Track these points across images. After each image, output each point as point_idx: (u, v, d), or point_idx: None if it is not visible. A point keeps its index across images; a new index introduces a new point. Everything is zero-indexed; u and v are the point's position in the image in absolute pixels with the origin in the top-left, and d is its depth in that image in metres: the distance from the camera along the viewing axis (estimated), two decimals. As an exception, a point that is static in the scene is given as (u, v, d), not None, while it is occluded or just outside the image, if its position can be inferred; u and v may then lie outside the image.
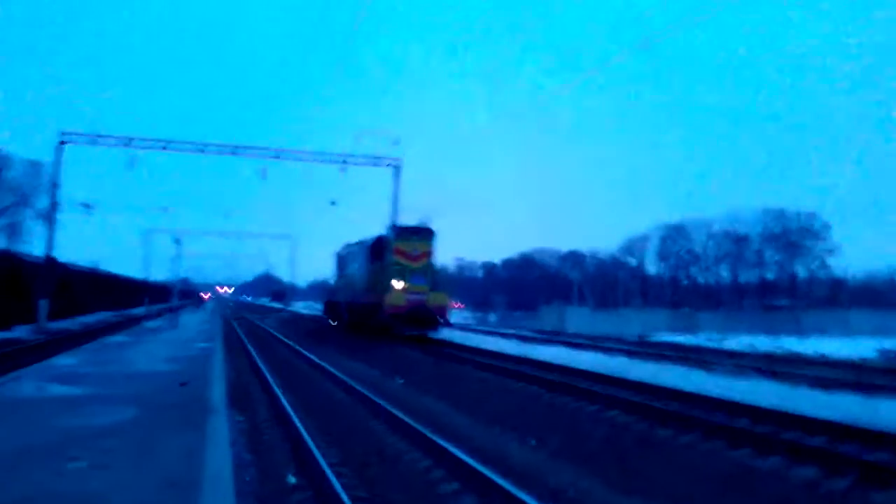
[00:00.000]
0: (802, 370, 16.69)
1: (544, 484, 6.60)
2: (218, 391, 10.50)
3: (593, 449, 8.00)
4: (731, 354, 22.19)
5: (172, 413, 8.28)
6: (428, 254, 24.84)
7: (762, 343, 28.43)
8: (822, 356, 23.99)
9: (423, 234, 25.16)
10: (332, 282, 37.83)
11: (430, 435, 8.30)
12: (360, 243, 29.17)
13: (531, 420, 9.88)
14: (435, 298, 24.08)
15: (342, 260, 33.71)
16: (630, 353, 19.92)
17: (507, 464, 7.45)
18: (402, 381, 14.76)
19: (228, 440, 7.21)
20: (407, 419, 9.31)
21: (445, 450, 7.51)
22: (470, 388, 13.14)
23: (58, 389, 10.25)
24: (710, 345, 27.79)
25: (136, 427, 7.38)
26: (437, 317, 24.29)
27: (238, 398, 11.49)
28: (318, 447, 7.54)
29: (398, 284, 23.93)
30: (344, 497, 5.73)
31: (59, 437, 6.86)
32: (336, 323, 33.86)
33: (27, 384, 10.89)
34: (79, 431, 7.13)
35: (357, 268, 28.94)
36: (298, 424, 8.64)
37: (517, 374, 14.21)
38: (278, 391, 11.81)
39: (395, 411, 9.90)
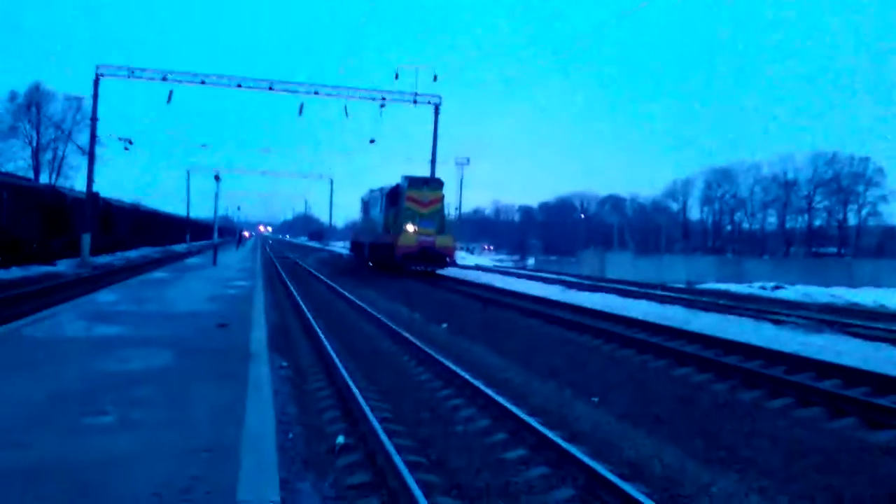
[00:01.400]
0: (875, 323, 15.51)
1: (622, 456, 5.85)
2: (258, 334, 9.95)
3: (669, 413, 7.20)
4: (790, 305, 20.98)
5: (211, 359, 7.72)
6: (437, 201, 28.15)
7: (818, 293, 26.99)
8: (882, 306, 22.66)
9: (433, 184, 28.67)
10: (357, 224, 41.84)
11: (484, 389, 7.63)
12: (380, 190, 32.29)
13: (591, 375, 9.11)
14: (442, 241, 27.55)
15: (365, 205, 36.98)
16: (684, 302, 18.91)
17: (573, 428, 6.72)
18: (446, 327, 14.14)
19: (271, 390, 6.60)
20: (458, 370, 8.65)
21: (505, 408, 6.82)
22: (518, 336, 12.42)
23: (94, 329, 9.82)
24: (764, 294, 26.48)
25: (171, 375, 6.83)
26: (444, 256, 27.96)
27: (280, 341, 10.98)
28: (366, 400, 6.92)
29: (410, 227, 27.15)
30: (399, 463, 5.08)
31: (89, 384, 6.33)
32: (360, 261, 36.88)
33: (64, 321, 10.52)
34: (111, 378, 6.61)
35: (377, 212, 32.16)
36: (345, 374, 8.03)
37: (567, 322, 13.41)
38: (321, 334, 11.28)
39: (444, 360, 9.26)
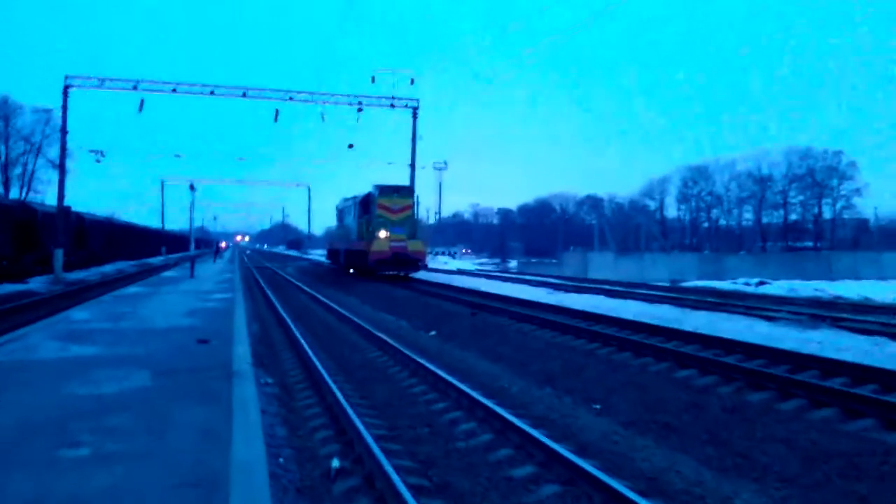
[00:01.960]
0: (865, 316, 15.44)
1: (636, 468, 5.53)
2: (241, 349, 9.50)
3: (676, 419, 6.90)
4: (777, 300, 20.93)
5: (191, 378, 7.27)
6: (407, 208, 29.36)
7: (802, 288, 27.06)
8: (867, 299, 22.73)
9: (403, 191, 29.92)
10: (332, 231, 42.64)
11: (482, 399, 7.26)
12: (353, 198, 33.35)
13: (590, 381, 8.81)
14: (414, 246, 28.72)
15: (340, 213, 38.15)
16: (672, 301, 18.73)
17: (580, 438, 6.39)
18: (435, 334, 13.77)
19: (257, 411, 6.18)
20: (452, 380, 8.28)
21: (507, 420, 6.46)
22: (511, 342, 12.09)
23: (66, 349, 9.30)
24: (749, 290, 26.46)
25: (149, 398, 6.37)
26: (416, 261, 29.15)
27: (264, 356, 10.52)
28: (359, 416, 6.53)
29: (382, 234, 28.23)
30: (401, 487, 4.71)
31: (61, 410, 5.86)
32: (337, 267, 38.31)
33: (34, 343, 9.96)
34: (85, 404, 6.14)
35: (350, 220, 33.34)
36: (335, 389, 7.62)
37: (559, 325, 13.10)
38: (307, 347, 10.84)
39: (436, 370, 8.88)
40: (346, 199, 36.62)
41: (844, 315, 15.79)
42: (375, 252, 28.00)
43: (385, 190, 29.34)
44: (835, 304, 20.54)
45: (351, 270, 33.01)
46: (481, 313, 16.22)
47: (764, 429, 6.43)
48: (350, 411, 6.69)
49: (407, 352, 10.56)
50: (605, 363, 9.68)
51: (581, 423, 6.84)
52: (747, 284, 28.65)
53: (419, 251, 29.14)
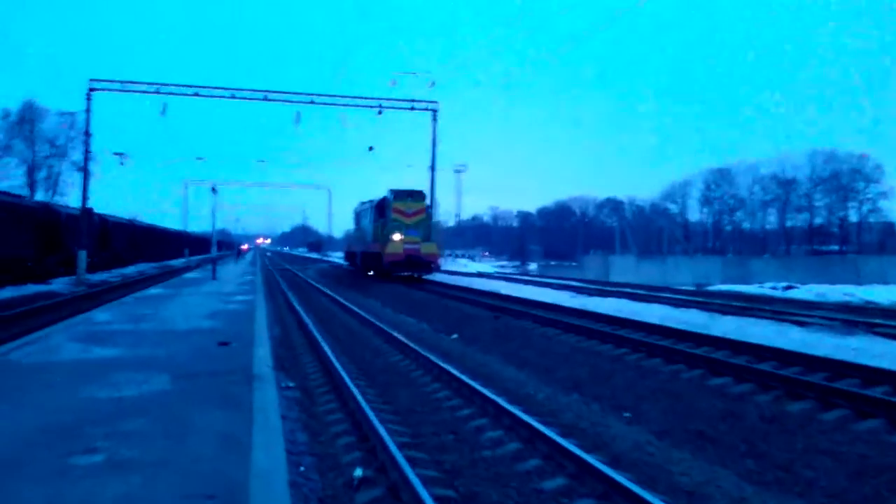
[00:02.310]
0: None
1: (674, 482, 5.25)
2: (262, 352, 9.36)
3: (713, 429, 6.60)
4: (806, 305, 20.42)
5: (211, 382, 7.12)
6: (421, 212, 30.04)
7: (831, 292, 26.43)
8: (900, 305, 22.09)
9: (416, 196, 30.57)
10: (350, 234, 43.86)
11: (508, 406, 7.02)
12: (370, 202, 34.43)
13: (620, 388, 8.52)
14: (427, 248, 29.39)
15: (357, 216, 39.27)
16: (699, 305, 18.32)
17: (612, 448, 6.12)
18: (457, 337, 13.55)
19: (278, 417, 6.01)
20: (476, 385, 8.05)
21: (534, 429, 6.22)
22: (535, 346, 11.82)
23: (86, 351, 9.22)
24: (776, 294, 25.91)
25: (168, 402, 6.23)
26: (429, 263, 29.92)
27: (284, 359, 10.39)
28: (382, 423, 6.32)
29: (396, 237, 29.03)
30: (425, 497, 4.49)
31: (78, 414, 5.73)
32: (353, 269, 39.68)
33: (55, 344, 9.91)
34: (102, 406, 6.01)
35: (367, 223, 34.46)
36: (357, 394, 7.43)
37: (584, 329, 12.81)
38: (328, 350, 10.67)
39: (460, 375, 8.65)
40: (363, 203, 37.59)
41: (877, 320, 15.29)
42: (390, 254, 28.85)
43: (400, 194, 30.18)
44: (865, 309, 19.98)
45: (370, 273, 33.50)
46: (504, 317, 15.96)
47: (806, 440, 6.12)
48: (373, 417, 6.49)
49: (429, 355, 10.35)
50: (633, 369, 9.38)
51: (613, 432, 6.57)
52: (774, 288, 28.08)
53: (432, 253, 29.88)
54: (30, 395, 6.48)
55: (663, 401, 7.70)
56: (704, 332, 11.85)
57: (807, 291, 26.20)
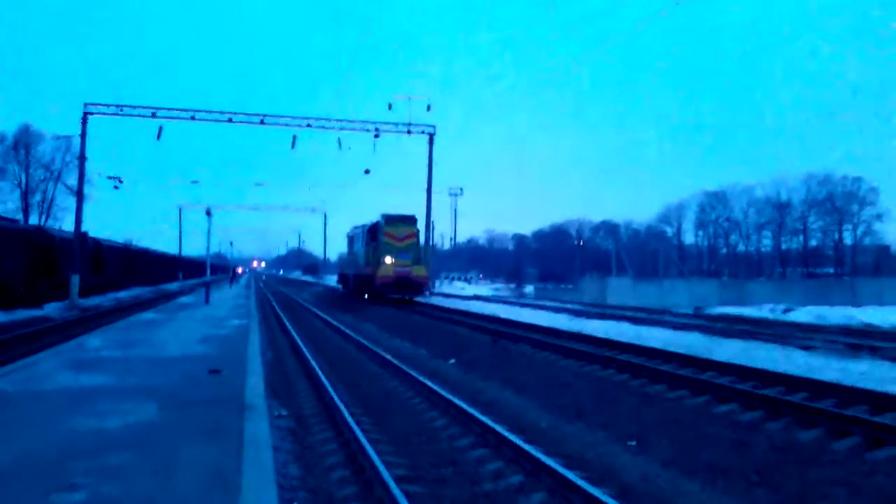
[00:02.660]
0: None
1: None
2: (254, 380, 9.09)
3: (722, 459, 6.35)
4: (808, 328, 20.23)
5: (201, 412, 6.85)
6: (411, 236, 31.03)
7: (830, 315, 26.24)
8: (900, 328, 21.88)
9: (407, 220, 31.54)
10: (344, 257, 44.76)
11: (509, 436, 6.77)
12: (362, 227, 35.37)
13: (623, 415, 8.27)
14: (417, 271, 30.48)
15: (350, 240, 40.14)
16: (699, 329, 18.09)
17: (620, 479, 5.87)
18: (454, 362, 13.28)
19: (270, 450, 5.74)
20: (475, 413, 7.81)
21: (537, 460, 5.96)
22: (535, 372, 11.57)
23: (74, 379, 8.94)
24: (775, 317, 25.74)
25: (155, 434, 5.96)
26: (420, 285, 31.17)
27: (278, 386, 10.11)
28: (378, 454, 6.06)
29: (388, 260, 30.01)
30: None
31: (61, 448, 5.46)
32: (346, 291, 40.72)
33: (42, 372, 9.63)
34: (86, 439, 5.74)
35: (359, 247, 35.38)
36: (352, 423, 7.17)
37: (585, 354, 12.56)
38: (322, 376, 10.41)
39: (458, 402, 8.40)
40: (355, 227, 38.64)
41: (880, 344, 15.11)
42: (382, 276, 29.86)
43: (391, 219, 31.16)
44: (867, 332, 19.78)
45: (364, 295, 34.11)
46: (502, 341, 15.71)
47: (820, 471, 5.88)
48: (369, 448, 6.22)
49: (427, 381, 10.10)
50: (637, 396, 9.13)
51: (619, 463, 6.31)
52: (773, 311, 27.89)
53: (422, 276, 31.06)
54: (11, 427, 6.21)
55: (670, 429, 7.45)
56: (708, 356, 11.61)
57: (806, 314, 26.00)
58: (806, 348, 13.63)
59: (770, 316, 26.22)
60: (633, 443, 7.18)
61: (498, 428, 7.14)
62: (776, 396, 8.22)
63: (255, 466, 5.16)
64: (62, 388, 8.22)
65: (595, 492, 5.11)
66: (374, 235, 31.98)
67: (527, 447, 6.37)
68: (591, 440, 7.34)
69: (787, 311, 27.50)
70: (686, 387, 9.17)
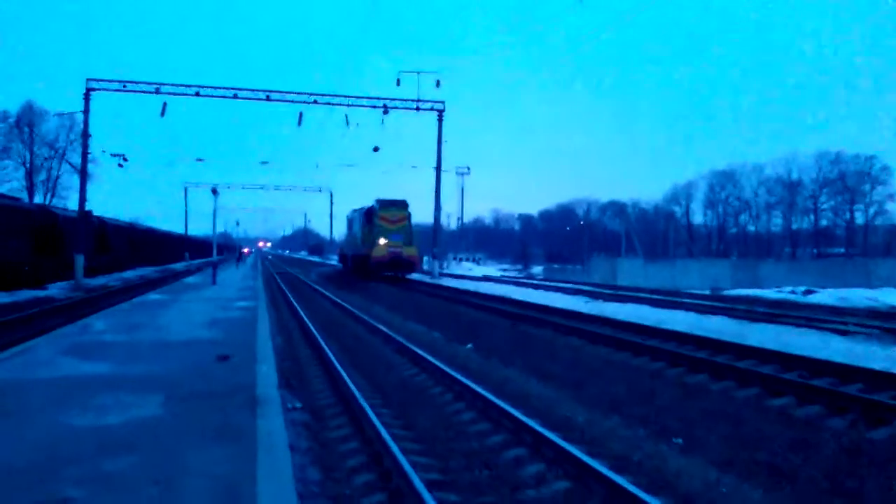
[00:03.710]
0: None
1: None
2: (265, 367, 8.51)
3: (784, 460, 5.74)
4: (835, 311, 19.50)
5: (209, 406, 6.27)
6: (404, 219, 33.95)
7: (854, 297, 25.48)
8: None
9: (399, 205, 34.46)
10: (344, 238, 48.76)
11: (547, 433, 6.15)
12: (360, 210, 38.11)
13: (664, 408, 7.65)
14: (408, 251, 33.27)
15: (350, 222, 42.90)
16: (723, 312, 17.42)
17: (678, 488, 5.24)
18: (471, 347, 12.68)
19: (286, 451, 5.14)
20: (503, 405, 7.20)
21: (582, 462, 5.35)
22: (561, 359, 10.96)
23: (73, 367, 8.38)
24: (796, 299, 25.03)
25: (158, 433, 5.38)
26: (411, 263, 33.97)
27: (290, 374, 9.52)
28: (404, 453, 5.47)
29: (381, 241, 32.80)
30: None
31: (54, 449, 4.90)
32: (345, 270, 43.61)
33: (40, 358, 9.07)
34: (82, 438, 5.17)
35: (357, 229, 38.16)
36: (374, 418, 6.58)
37: (611, 340, 11.94)
38: (336, 363, 9.82)
39: (483, 392, 7.79)
40: (354, 211, 41.47)
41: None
42: (376, 256, 32.59)
43: (384, 204, 34.19)
44: (894, 314, 19.10)
45: (360, 273, 36.55)
46: (520, 324, 15.11)
47: (904, 476, 5.26)
48: (394, 448, 5.62)
49: (446, 368, 9.49)
50: (677, 387, 8.51)
51: (672, 466, 5.68)
52: (793, 293, 27.19)
53: (413, 256, 33.86)
54: (1, 422, 5.63)
55: (720, 425, 6.83)
56: (741, 341, 10.99)
57: (828, 296, 25.27)
58: (842, 333, 13.00)
59: (791, 297, 25.52)
60: (680, 440, 6.57)
61: (531, 423, 6.52)
62: (831, 388, 7.60)
63: (271, 472, 4.57)
64: (60, 377, 7.65)
65: (654, 502, 4.51)
66: (369, 218, 34.50)
67: (568, 447, 5.75)
68: (632, 437, 6.72)
69: (807, 292, 26.79)
70: (731, 377, 8.53)
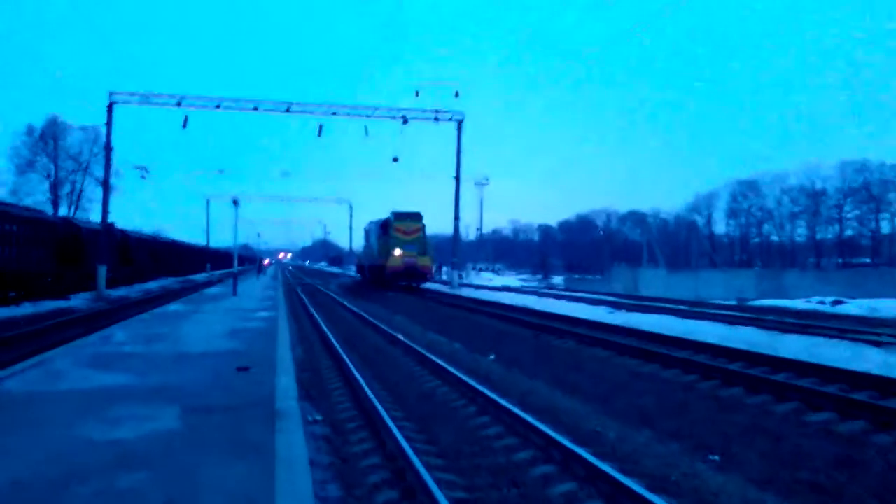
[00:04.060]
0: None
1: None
2: (285, 380, 8.34)
3: (828, 479, 5.41)
4: (863, 321, 18.95)
5: (227, 419, 6.10)
6: (418, 230, 35.58)
7: (883, 307, 24.78)
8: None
9: (414, 216, 36.17)
10: (361, 249, 50.74)
11: (577, 450, 5.86)
12: (376, 222, 39.88)
13: (698, 422, 7.34)
14: (422, 261, 35.02)
15: (367, 234, 44.70)
16: (751, 322, 16.98)
17: (717, 506, 4.95)
18: (493, 358, 12.42)
19: (307, 468, 4.94)
20: (530, 419, 6.94)
21: (616, 481, 5.08)
22: (586, 370, 10.68)
23: (91, 378, 8.27)
24: (825, 309, 24.41)
25: (174, 447, 5.21)
26: (424, 274, 35.76)
27: (310, 385, 9.33)
28: (429, 470, 5.24)
29: (397, 252, 34.41)
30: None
31: (66, 463, 4.74)
32: (363, 280, 45.38)
33: (58, 369, 8.98)
34: (97, 452, 5.01)
35: (374, 240, 39.76)
36: (396, 432, 6.35)
37: (639, 351, 11.63)
38: (357, 374, 9.61)
39: (508, 405, 7.53)
40: (371, 223, 43.02)
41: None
42: (391, 266, 34.14)
43: (400, 215, 35.87)
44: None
45: (376, 283, 37.49)
46: (543, 335, 14.83)
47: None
48: (418, 463, 5.39)
49: (469, 380, 9.25)
50: (711, 400, 8.19)
51: (712, 486, 5.38)
52: (822, 303, 26.54)
53: (426, 266, 35.58)
54: (13, 437, 5.51)
55: (758, 441, 6.51)
56: (773, 353, 10.64)
57: (857, 307, 24.59)
58: (875, 344, 12.55)
59: (820, 308, 24.91)
60: (717, 458, 6.26)
61: (560, 439, 6.26)
62: (873, 402, 7.24)
63: (290, 488, 4.38)
64: (78, 389, 7.54)
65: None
66: (385, 230, 36.02)
67: (599, 464, 5.48)
68: (666, 453, 6.42)
69: (836, 303, 26.14)
70: (767, 390, 8.19)
